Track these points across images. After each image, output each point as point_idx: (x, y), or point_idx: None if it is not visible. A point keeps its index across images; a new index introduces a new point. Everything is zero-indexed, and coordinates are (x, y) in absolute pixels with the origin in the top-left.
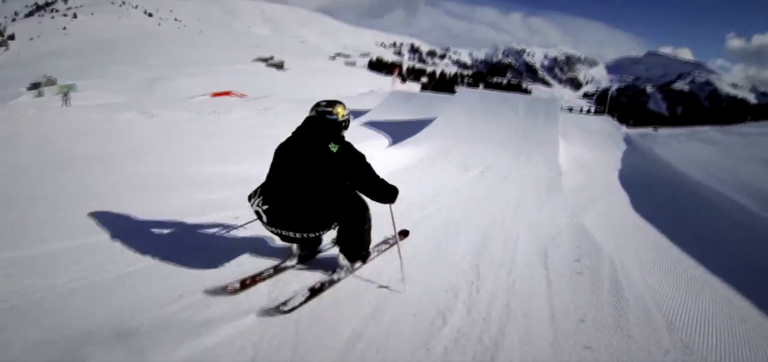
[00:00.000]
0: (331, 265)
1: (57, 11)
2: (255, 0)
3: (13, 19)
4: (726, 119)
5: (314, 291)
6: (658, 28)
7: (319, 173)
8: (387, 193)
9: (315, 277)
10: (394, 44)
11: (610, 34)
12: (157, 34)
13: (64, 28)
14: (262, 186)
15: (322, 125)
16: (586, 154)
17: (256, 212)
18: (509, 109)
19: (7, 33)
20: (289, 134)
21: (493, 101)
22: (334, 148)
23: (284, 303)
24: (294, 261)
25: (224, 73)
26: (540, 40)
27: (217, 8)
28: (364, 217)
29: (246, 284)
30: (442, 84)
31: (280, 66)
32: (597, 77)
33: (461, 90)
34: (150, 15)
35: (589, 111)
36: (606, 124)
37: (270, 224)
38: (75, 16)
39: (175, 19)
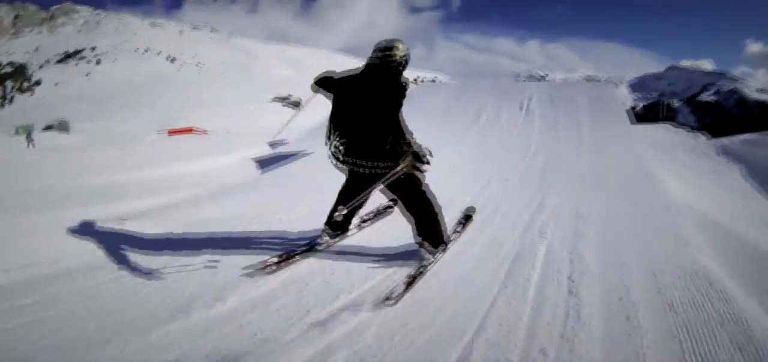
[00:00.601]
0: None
1: (83, 59)
2: (277, 44)
3: (41, 66)
4: (762, 124)
5: (410, 282)
6: (676, 42)
7: (389, 107)
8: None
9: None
10: (416, 80)
11: (628, 54)
12: (175, 79)
13: (87, 75)
14: (333, 128)
15: (385, 71)
16: (695, 196)
17: (334, 151)
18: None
19: (34, 79)
20: (346, 76)
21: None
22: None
23: (389, 297)
24: (325, 239)
25: (232, 113)
26: (560, 66)
27: (240, 53)
28: (432, 202)
29: (281, 262)
30: None
31: (296, 104)
32: (621, 97)
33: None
34: (172, 61)
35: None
36: (675, 134)
37: (347, 155)
38: (98, 62)
39: (197, 64)
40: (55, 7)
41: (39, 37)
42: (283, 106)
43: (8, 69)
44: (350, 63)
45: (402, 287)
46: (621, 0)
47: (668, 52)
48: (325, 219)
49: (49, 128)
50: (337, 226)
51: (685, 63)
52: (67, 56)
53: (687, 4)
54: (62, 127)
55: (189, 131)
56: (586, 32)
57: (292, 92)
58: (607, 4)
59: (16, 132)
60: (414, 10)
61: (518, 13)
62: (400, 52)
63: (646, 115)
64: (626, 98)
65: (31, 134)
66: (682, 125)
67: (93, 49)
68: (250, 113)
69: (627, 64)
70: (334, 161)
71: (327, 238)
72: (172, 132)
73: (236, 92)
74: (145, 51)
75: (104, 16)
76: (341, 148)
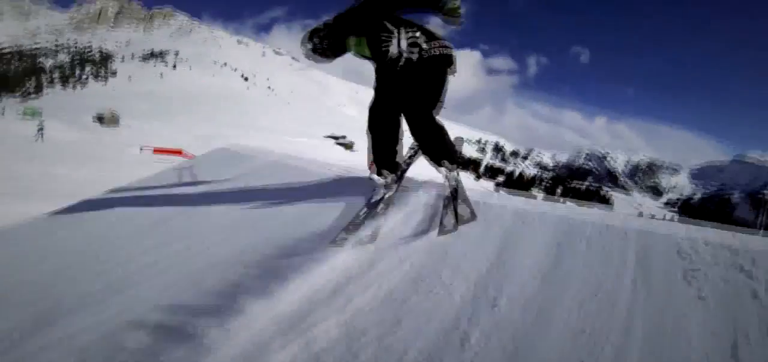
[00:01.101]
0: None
1: (163, 61)
2: (352, 82)
3: (122, 59)
4: None
5: (450, 199)
6: (744, 132)
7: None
8: None
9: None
10: (479, 141)
11: (694, 141)
12: (241, 97)
13: (161, 76)
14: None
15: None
16: None
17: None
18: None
19: (112, 69)
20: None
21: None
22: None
23: (442, 226)
24: (381, 193)
25: (278, 142)
26: (623, 145)
27: (312, 84)
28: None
29: (349, 229)
30: (519, 184)
31: (349, 147)
32: (679, 185)
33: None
34: (245, 79)
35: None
36: None
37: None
38: (175, 66)
39: (268, 87)
40: (156, 8)
41: (134, 33)
42: (336, 144)
43: (96, 55)
44: None
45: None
46: (691, 86)
47: (736, 140)
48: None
49: (100, 117)
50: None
51: (753, 155)
52: (151, 55)
53: (760, 94)
54: (112, 120)
55: (178, 152)
56: (652, 114)
57: (352, 132)
58: (677, 88)
59: (25, 114)
60: (491, 71)
61: (589, 90)
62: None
63: (701, 206)
64: (685, 187)
65: (41, 125)
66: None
67: (176, 53)
68: (298, 146)
69: (690, 150)
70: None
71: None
72: (157, 151)
73: (295, 122)
74: (223, 65)
75: (197, 26)
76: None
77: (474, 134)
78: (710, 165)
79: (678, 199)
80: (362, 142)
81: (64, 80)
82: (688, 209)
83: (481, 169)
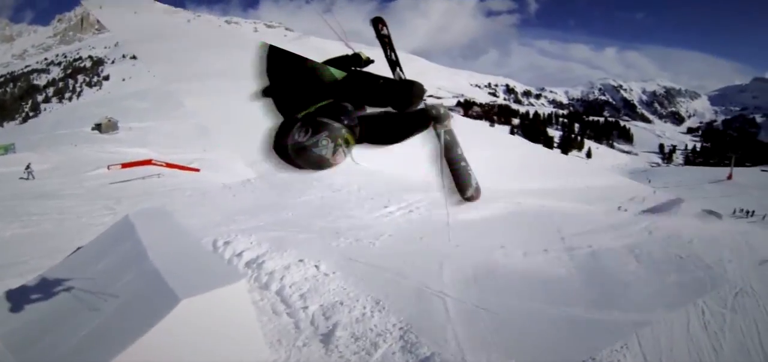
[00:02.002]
0: None
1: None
2: (353, 42)
3: (113, 62)
4: None
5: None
6: (763, 52)
7: None
8: None
9: None
10: (489, 85)
11: (711, 64)
12: (241, 76)
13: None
14: None
15: None
16: None
17: None
18: None
19: (104, 74)
20: None
21: None
22: None
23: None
24: None
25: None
26: (636, 75)
27: (311, 51)
28: None
29: None
30: (534, 127)
31: None
32: (700, 110)
33: None
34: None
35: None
36: None
37: None
38: None
39: None
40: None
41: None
42: None
43: (87, 63)
44: (424, 66)
45: None
46: (705, 7)
47: (755, 62)
48: None
49: (98, 126)
50: None
51: None
52: None
53: None
54: (110, 126)
55: (147, 163)
56: (665, 40)
57: None
58: (690, 11)
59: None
60: (490, 13)
61: (596, 19)
62: None
63: (725, 131)
64: (706, 111)
65: (29, 164)
66: None
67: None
68: None
69: (708, 74)
70: None
71: None
72: (125, 166)
73: None
74: (215, 48)
75: (183, 14)
76: None
77: (482, 79)
78: (730, 87)
79: (700, 125)
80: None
81: (59, 95)
82: (711, 135)
83: (494, 114)
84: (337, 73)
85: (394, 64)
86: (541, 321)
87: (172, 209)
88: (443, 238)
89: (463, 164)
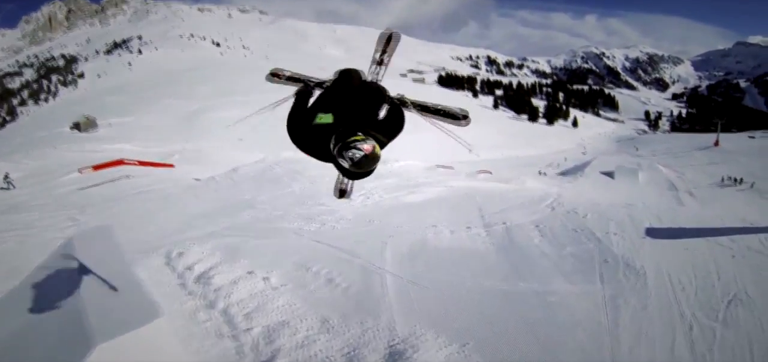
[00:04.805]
0: None
1: (128, 49)
2: (329, 23)
3: (86, 59)
4: None
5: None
6: (744, 16)
7: None
8: None
9: None
10: (470, 57)
11: (692, 29)
12: (217, 64)
13: (129, 64)
14: None
15: None
16: None
17: None
18: None
19: (79, 71)
20: None
21: None
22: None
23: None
24: None
25: (266, 101)
26: (619, 41)
27: (288, 34)
28: None
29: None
30: (518, 98)
31: None
32: (684, 76)
33: None
34: (217, 45)
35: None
36: None
37: None
38: (140, 51)
39: (243, 47)
40: None
41: (91, 29)
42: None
43: (60, 62)
44: (404, 41)
45: None
46: None
47: (737, 26)
48: None
49: (76, 125)
50: None
51: (755, 39)
52: (115, 46)
53: None
54: (89, 124)
55: (119, 163)
56: (646, 5)
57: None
58: None
59: None
60: None
61: None
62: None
63: (709, 96)
64: (690, 77)
65: (7, 174)
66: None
67: (140, 38)
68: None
69: (691, 39)
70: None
71: None
72: (97, 167)
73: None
74: (190, 37)
75: (153, 5)
76: None
77: (464, 52)
78: (713, 52)
79: (684, 91)
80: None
81: (35, 96)
82: (696, 100)
83: (477, 85)
84: (326, 119)
85: (378, 63)
86: (461, 292)
87: (133, 216)
88: (389, 220)
89: (439, 108)
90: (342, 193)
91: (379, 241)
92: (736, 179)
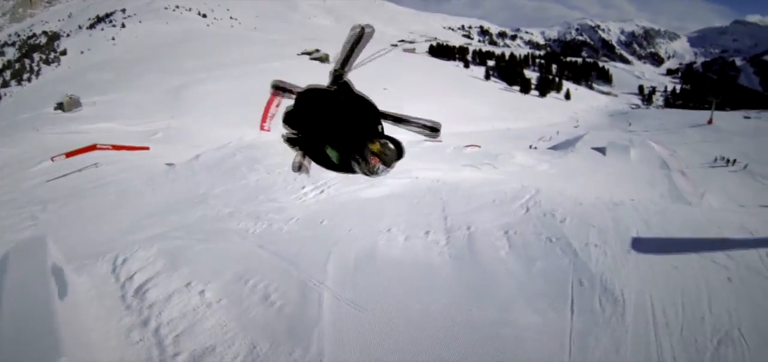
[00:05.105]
0: None
1: (111, 23)
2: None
3: (68, 35)
4: None
5: None
6: None
7: None
8: None
9: None
10: (463, 27)
11: (690, 4)
12: (204, 36)
13: (113, 39)
14: None
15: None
16: None
17: None
18: None
19: (61, 48)
20: None
21: None
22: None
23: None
24: None
25: (255, 72)
26: (615, 14)
27: (277, 3)
28: None
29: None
30: (511, 69)
31: (324, 59)
32: (679, 51)
33: None
34: (204, 16)
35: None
36: None
37: None
38: (123, 25)
39: (231, 18)
40: None
41: (73, 3)
42: (310, 59)
43: (42, 39)
44: (394, 11)
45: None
46: None
47: (735, 4)
48: None
49: (59, 105)
50: None
51: (753, 18)
52: (98, 21)
53: None
54: (72, 104)
55: (92, 148)
56: None
57: (326, 44)
58: None
59: None
60: None
61: None
62: None
63: (705, 73)
64: (685, 53)
65: None
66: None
67: (123, 11)
68: (274, 72)
69: (688, 15)
70: None
71: None
72: (70, 154)
73: (265, 46)
74: (175, 8)
75: None
76: None
77: (455, 21)
78: (710, 29)
79: (679, 66)
80: (338, 52)
81: (17, 76)
82: (691, 77)
83: (469, 56)
84: (334, 155)
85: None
86: (402, 318)
87: (90, 213)
88: (341, 221)
89: (412, 120)
90: (300, 167)
91: (324, 248)
92: (728, 160)
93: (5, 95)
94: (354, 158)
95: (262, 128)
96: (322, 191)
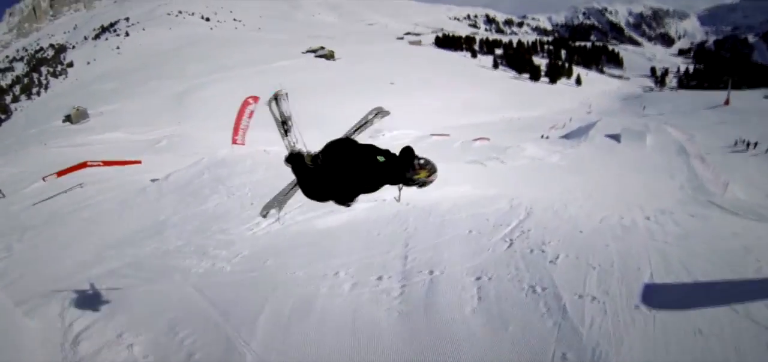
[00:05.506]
0: None
1: (115, 32)
2: None
3: (73, 47)
4: None
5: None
6: None
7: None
8: None
9: None
10: (468, 16)
11: None
12: (207, 40)
13: (117, 48)
14: None
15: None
16: None
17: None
18: None
19: (68, 60)
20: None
21: None
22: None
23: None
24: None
25: (258, 73)
26: None
27: (280, 2)
28: None
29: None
30: (519, 57)
31: (330, 56)
32: (690, 31)
33: None
34: (207, 20)
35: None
36: None
37: None
38: (127, 34)
39: (234, 20)
40: None
41: (77, 14)
42: (316, 57)
43: (50, 52)
44: (399, 4)
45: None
46: None
47: None
48: None
49: (67, 118)
50: None
51: None
52: (103, 31)
53: None
54: (80, 115)
55: (83, 166)
56: None
57: (331, 42)
58: None
59: None
60: None
61: None
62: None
63: (717, 51)
64: (696, 32)
65: None
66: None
67: (127, 19)
68: (279, 72)
69: None
70: None
71: None
72: (61, 173)
73: (270, 46)
74: (178, 13)
75: None
76: None
77: (461, 11)
78: (720, 6)
79: (691, 46)
80: (343, 49)
81: (27, 91)
82: (703, 56)
83: (476, 45)
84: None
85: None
86: None
87: (57, 243)
88: (287, 259)
89: (359, 123)
90: (267, 214)
91: (261, 296)
92: (749, 143)
93: (16, 110)
94: (408, 183)
95: (234, 141)
96: (276, 220)
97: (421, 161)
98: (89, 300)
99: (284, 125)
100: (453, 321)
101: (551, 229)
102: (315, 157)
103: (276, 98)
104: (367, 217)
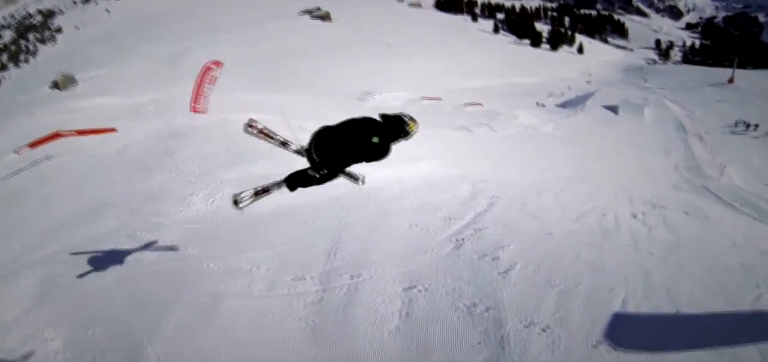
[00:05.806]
0: None
1: None
2: None
3: (61, 12)
4: None
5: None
6: None
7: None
8: None
9: None
10: None
11: None
12: (200, 2)
13: (107, 11)
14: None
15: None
16: None
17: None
18: None
19: (56, 26)
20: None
21: None
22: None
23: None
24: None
25: (251, 35)
26: None
27: None
28: None
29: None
30: (521, 22)
31: (326, 17)
32: (700, 5)
33: None
34: None
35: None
36: None
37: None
38: None
39: None
40: None
41: None
42: (312, 18)
43: (38, 18)
44: None
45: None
46: None
47: None
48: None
49: (55, 84)
50: None
51: None
52: None
53: None
54: (67, 81)
55: (56, 136)
56: None
57: (329, 1)
58: None
59: None
60: None
61: None
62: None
63: (726, 28)
64: (706, 6)
65: None
66: None
67: None
68: (272, 34)
69: None
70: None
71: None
72: (33, 145)
73: (267, 8)
74: None
75: None
76: None
77: None
78: None
79: (699, 20)
80: (340, 10)
81: (14, 59)
82: (711, 31)
83: (477, 9)
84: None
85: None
86: None
87: (14, 221)
88: (209, 249)
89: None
90: (237, 203)
91: (173, 293)
92: (749, 124)
93: (3, 78)
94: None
95: (194, 109)
96: (213, 201)
97: (407, 118)
98: (21, 290)
99: (266, 191)
100: (367, 342)
101: (513, 228)
102: (317, 164)
103: (236, 203)
104: (306, 201)
